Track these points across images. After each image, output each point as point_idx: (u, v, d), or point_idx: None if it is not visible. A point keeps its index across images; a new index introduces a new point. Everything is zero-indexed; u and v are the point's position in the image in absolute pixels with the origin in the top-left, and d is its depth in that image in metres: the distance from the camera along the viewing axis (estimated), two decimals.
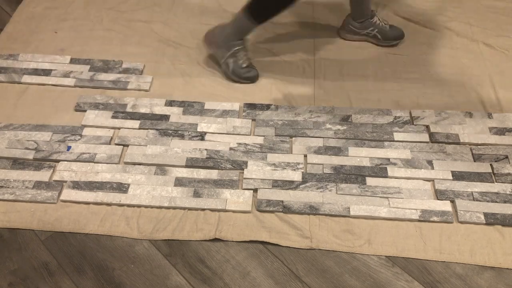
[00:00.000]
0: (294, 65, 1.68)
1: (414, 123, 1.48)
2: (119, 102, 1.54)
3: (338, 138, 1.43)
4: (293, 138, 1.44)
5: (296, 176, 1.34)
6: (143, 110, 1.51)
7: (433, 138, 1.44)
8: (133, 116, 1.49)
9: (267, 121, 1.48)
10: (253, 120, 1.49)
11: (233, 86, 1.61)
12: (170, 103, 1.54)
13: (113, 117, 1.49)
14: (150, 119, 1.48)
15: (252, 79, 1.61)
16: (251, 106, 1.53)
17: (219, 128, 1.46)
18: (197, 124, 1.47)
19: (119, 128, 1.47)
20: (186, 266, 1.19)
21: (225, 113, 1.51)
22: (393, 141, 1.43)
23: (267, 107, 1.53)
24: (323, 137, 1.44)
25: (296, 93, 1.58)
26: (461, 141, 1.43)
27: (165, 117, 1.49)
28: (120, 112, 1.50)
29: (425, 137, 1.44)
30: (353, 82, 1.63)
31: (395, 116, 1.49)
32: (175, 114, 1.50)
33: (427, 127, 1.47)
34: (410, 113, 1.51)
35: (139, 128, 1.46)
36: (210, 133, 1.45)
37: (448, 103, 1.56)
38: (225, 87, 1.61)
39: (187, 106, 1.53)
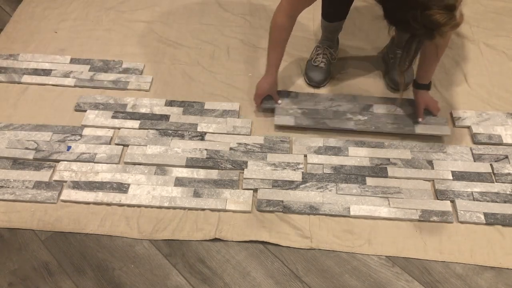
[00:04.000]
0: (295, 64, 1.68)
1: (455, 125, 1.47)
2: (119, 102, 1.54)
3: (359, 131, 1.42)
4: (293, 138, 1.44)
5: (296, 176, 1.34)
6: (143, 110, 1.51)
7: (476, 139, 1.43)
8: (133, 116, 1.49)
9: (286, 109, 1.47)
10: (272, 108, 1.49)
11: (233, 86, 1.61)
12: (170, 103, 1.54)
13: (113, 117, 1.49)
14: (150, 119, 1.48)
15: (311, 80, 1.58)
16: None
17: (219, 128, 1.46)
18: (197, 124, 1.47)
19: (119, 128, 1.47)
20: (186, 266, 1.19)
21: (225, 113, 1.51)
22: (414, 134, 1.42)
23: (288, 94, 1.52)
24: (344, 129, 1.43)
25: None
26: (504, 142, 1.43)
27: (165, 117, 1.49)
28: (120, 112, 1.50)
29: (446, 130, 1.43)
30: (354, 81, 1.63)
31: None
32: (175, 114, 1.50)
33: (469, 127, 1.47)
34: (451, 114, 1.51)
35: (139, 128, 1.46)
36: (210, 133, 1.45)
37: (448, 103, 1.55)
38: (225, 87, 1.61)
39: (187, 106, 1.53)
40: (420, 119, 1.44)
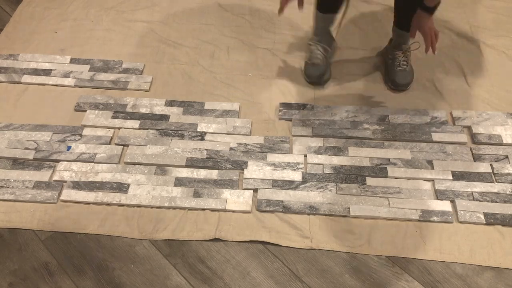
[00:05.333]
0: (295, 64, 1.68)
1: (455, 124, 1.47)
2: (119, 102, 1.54)
3: (377, 140, 1.43)
4: (293, 138, 1.44)
5: (296, 176, 1.34)
6: (143, 110, 1.51)
7: (476, 139, 1.43)
8: (133, 116, 1.49)
9: (303, 120, 1.48)
10: (289, 120, 1.49)
11: (233, 86, 1.61)
12: (170, 103, 1.54)
13: (113, 117, 1.49)
14: (150, 119, 1.48)
15: (310, 77, 1.59)
16: (287, 106, 1.52)
17: (219, 128, 1.46)
18: (197, 124, 1.47)
19: (119, 128, 1.47)
20: (186, 266, 1.19)
21: (225, 113, 1.51)
22: (432, 142, 1.43)
23: (303, 106, 1.52)
24: (361, 137, 1.44)
25: (296, 92, 1.58)
26: (504, 142, 1.43)
27: (165, 117, 1.49)
28: (120, 112, 1.50)
29: (463, 137, 1.43)
30: (353, 82, 1.63)
31: (432, 116, 1.49)
32: (175, 114, 1.50)
33: (469, 128, 1.47)
34: (451, 114, 1.51)
35: (139, 128, 1.46)
36: (210, 133, 1.45)
37: (448, 103, 1.55)
38: (225, 87, 1.61)
39: (187, 106, 1.53)
40: (411, 38, 1.44)
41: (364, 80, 1.63)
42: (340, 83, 1.62)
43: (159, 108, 1.52)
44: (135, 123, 1.47)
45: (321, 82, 1.60)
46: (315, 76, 1.58)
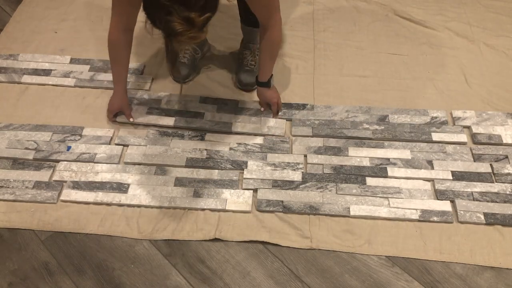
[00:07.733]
0: (294, 64, 1.68)
1: (455, 124, 1.47)
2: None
3: (377, 140, 1.43)
4: (293, 138, 1.44)
5: (296, 176, 1.34)
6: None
7: (475, 139, 1.43)
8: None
9: (303, 120, 1.48)
10: (289, 119, 1.49)
11: (231, 87, 1.60)
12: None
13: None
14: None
15: (174, 75, 1.61)
16: (287, 106, 1.52)
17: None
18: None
19: (119, 128, 1.47)
20: (186, 266, 1.19)
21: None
22: (431, 141, 1.43)
23: (303, 106, 1.52)
24: (361, 137, 1.44)
25: (296, 93, 1.58)
26: (504, 142, 1.43)
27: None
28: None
29: (463, 137, 1.43)
30: (353, 82, 1.63)
31: (432, 116, 1.49)
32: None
33: (469, 128, 1.47)
34: (451, 114, 1.51)
35: (140, 128, 1.46)
36: (210, 133, 1.45)
37: (449, 103, 1.56)
38: (225, 87, 1.61)
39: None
40: (262, 109, 1.50)
41: (364, 80, 1.63)
42: (340, 83, 1.62)
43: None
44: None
45: (185, 80, 1.60)
46: (178, 75, 1.59)
